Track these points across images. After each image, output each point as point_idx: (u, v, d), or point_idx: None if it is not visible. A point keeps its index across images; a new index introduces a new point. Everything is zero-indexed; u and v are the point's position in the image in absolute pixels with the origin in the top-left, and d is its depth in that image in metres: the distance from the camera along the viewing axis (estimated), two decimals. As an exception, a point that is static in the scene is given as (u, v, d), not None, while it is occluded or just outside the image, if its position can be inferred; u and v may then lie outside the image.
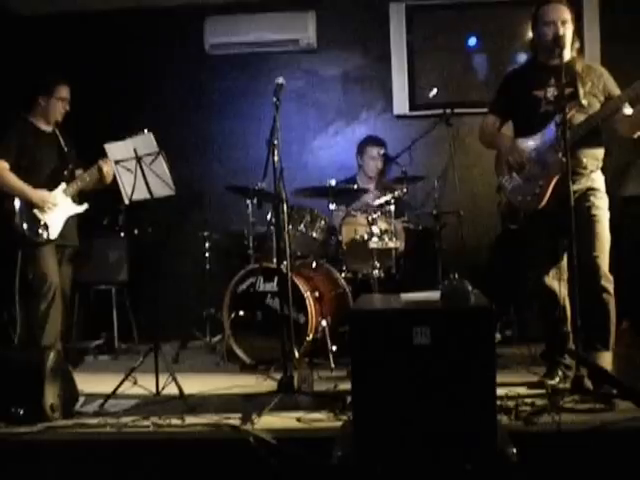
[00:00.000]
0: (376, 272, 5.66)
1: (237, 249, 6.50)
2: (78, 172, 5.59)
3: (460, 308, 3.28)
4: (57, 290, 5.36)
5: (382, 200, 5.85)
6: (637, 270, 5.63)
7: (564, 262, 4.49)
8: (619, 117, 4.37)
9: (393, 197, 5.85)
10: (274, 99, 4.53)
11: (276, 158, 4.45)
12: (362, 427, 3.21)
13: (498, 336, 5.91)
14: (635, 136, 4.43)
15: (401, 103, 7.21)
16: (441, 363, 3.16)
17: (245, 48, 7.21)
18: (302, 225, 5.82)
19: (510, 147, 4.58)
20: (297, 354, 4.71)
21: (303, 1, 7.22)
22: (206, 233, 6.64)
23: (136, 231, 6.84)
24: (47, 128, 5.56)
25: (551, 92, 4.43)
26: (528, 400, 3.96)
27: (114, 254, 6.77)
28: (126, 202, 4.85)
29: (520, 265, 4.92)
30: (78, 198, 5.58)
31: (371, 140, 6.67)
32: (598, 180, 4.50)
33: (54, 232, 5.38)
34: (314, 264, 5.86)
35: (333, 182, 5.82)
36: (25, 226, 5.29)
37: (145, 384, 4.66)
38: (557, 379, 4.46)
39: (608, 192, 4.51)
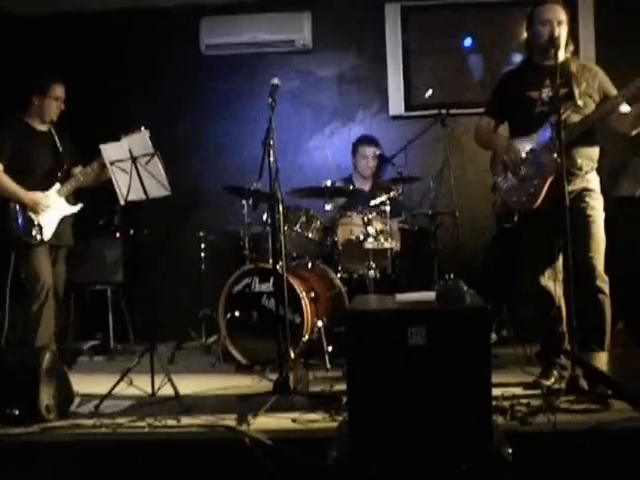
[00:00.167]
0: (372, 272, 5.66)
1: (233, 250, 6.50)
2: (77, 169, 5.57)
3: (455, 308, 3.28)
4: (50, 291, 5.36)
5: (378, 200, 5.85)
6: (632, 271, 5.64)
7: (559, 262, 4.49)
8: (616, 116, 4.38)
9: (389, 197, 5.85)
10: (269, 100, 4.53)
11: (272, 158, 4.45)
12: (358, 428, 3.20)
13: (494, 336, 5.90)
14: (634, 133, 4.43)
15: (397, 104, 7.21)
16: (436, 363, 3.16)
17: (241, 49, 7.21)
18: (298, 225, 5.82)
19: (505, 147, 4.58)
20: (293, 355, 4.70)
21: (299, 2, 7.22)
22: (202, 233, 6.64)
23: (132, 231, 6.84)
24: (42, 127, 5.55)
25: (546, 93, 4.43)
26: (524, 400, 3.97)
27: (110, 254, 6.76)
28: (122, 202, 4.84)
29: (515, 265, 4.92)
30: (73, 198, 5.57)
31: (364, 140, 6.67)
32: (593, 181, 4.51)
33: (48, 233, 5.38)
34: (310, 264, 5.86)
35: (329, 182, 5.82)
36: (19, 227, 5.29)
37: (141, 385, 4.65)
38: (552, 379, 4.46)
39: (602, 192, 4.52)
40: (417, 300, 3.53)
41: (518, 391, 4.27)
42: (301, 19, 7.15)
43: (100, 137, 4.92)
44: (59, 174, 5.49)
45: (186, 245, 6.88)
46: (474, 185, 6.68)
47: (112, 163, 4.79)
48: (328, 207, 5.94)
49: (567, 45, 4.49)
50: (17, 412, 3.97)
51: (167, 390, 4.45)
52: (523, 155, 4.48)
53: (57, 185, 5.45)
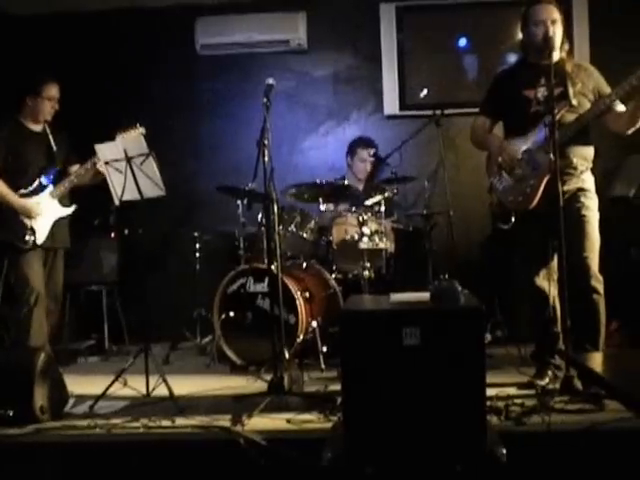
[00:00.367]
0: (366, 272, 5.66)
1: (227, 250, 6.50)
2: (73, 168, 5.55)
3: (450, 309, 3.28)
4: (40, 295, 5.33)
5: (372, 201, 5.85)
6: (626, 271, 5.65)
7: (554, 262, 4.48)
8: (612, 115, 4.39)
9: (383, 197, 5.85)
10: (264, 99, 4.52)
11: (266, 159, 4.45)
12: (352, 428, 3.21)
13: (488, 336, 5.91)
14: (629, 132, 4.44)
15: (391, 103, 7.21)
16: (431, 364, 3.16)
17: (236, 49, 7.20)
18: (292, 226, 5.82)
19: (500, 149, 4.58)
20: (287, 355, 4.70)
21: (294, 2, 7.21)
22: (196, 234, 6.64)
23: (127, 232, 6.83)
24: (37, 128, 5.52)
25: (541, 92, 4.43)
26: (518, 400, 3.98)
27: (105, 255, 6.76)
28: (116, 203, 4.84)
29: (511, 265, 4.92)
30: (67, 199, 5.54)
31: (362, 142, 6.64)
32: (588, 181, 4.51)
33: (41, 237, 5.34)
34: (304, 265, 5.85)
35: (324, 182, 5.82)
36: (11, 232, 5.28)
37: (135, 385, 4.64)
38: (547, 379, 4.47)
39: (597, 193, 4.52)
40: (412, 300, 3.53)
41: (512, 391, 4.27)
42: (296, 19, 7.14)
43: (95, 137, 4.92)
44: (52, 175, 5.45)
45: (181, 245, 6.88)
46: (468, 185, 6.69)
47: (107, 163, 4.78)
48: (323, 207, 5.93)
49: (562, 44, 4.49)
50: (11, 413, 3.97)
51: (162, 391, 4.44)
52: (518, 156, 4.49)
53: (50, 187, 5.42)
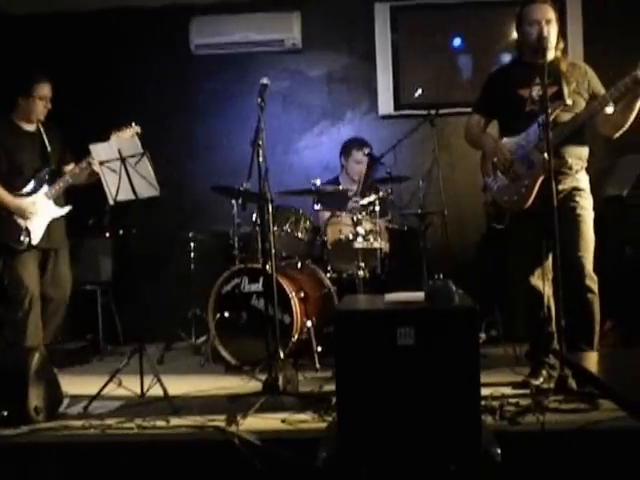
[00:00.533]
0: (361, 272, 5.66)
1: (222, 250, 6.49)
2: (68, 168, 5.54)
3: (444, 308, 3.28)
4: (34, 297, 5.32)
5: (367, 200, 5.85)
6: (620, 270, 5.66)
7: (549, 262, 4.48)
8: (601, 117, 4.40)
9: (378, 197, 5.85)
10: (259, 99, 4.52)
11: (261, 158, 4.45)
12: (347, 428, 3.20)
13: (483, 336, 5.91)
14: (616, 136, 4.45)
15: (386, 103, 7.21)
16: (425, 363, 3.16)
17: (230, 48, 7.19)
18: (287, 225, 5.82)
19: (495, 147, 4.59)
20: (282, 355, 4.69)
21: (288, 1, 7.21)
22: (191, 234, 6.62)
23: (121, 231, 6.82)
24: (30, 128, 5.51)
25: (536, 91, 4.42)
26: (512, 400, 3.98)
27: (99, 255, 6.75)
28: (111, 203, 4.83)
29: (506, 265, 4.92)
30: (62, 199, 5.53)
31: (356, 143, 6.62)
32: (583, 180, 4.51)
33: (36, 237, 5.33)
34: (299, 264, 5.86)
35: (318, 182, 5.82)
36: (6, 233, 5.26)
37: (130, 385, 4.65)
38: (541, 379, 4.47)
39: (591, 192, 4.52)
40: (406, 300, 3.53)
41: (507, 391, 4.28)
42: (290, 19, 7.14)
43: (90, 137, 4.92)
44: (47, 175, 5.45)
45: (175, 245, 6.86)
46: (463, 185, 6.70)
47: (101, 163, 4.78)
48: (317, 207, 5.93)
49: (557, 44, 4.49)
50: (5, 413, 3.97)
51: (156, 391, 4.44)
52: (513, 155, 4.49)
53: (45, 187, 5.42)
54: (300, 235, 5.85)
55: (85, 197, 5.55)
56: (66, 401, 4.41)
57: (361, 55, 7.27)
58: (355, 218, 5.73)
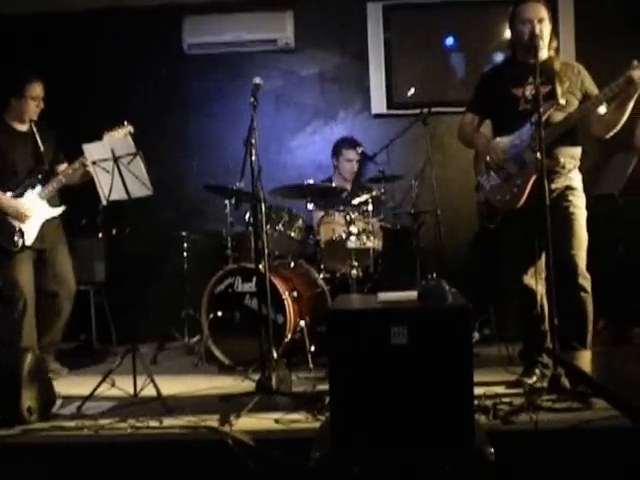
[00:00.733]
0: (354, 272, 5.64)
1: (215, 249, 6.49)
2: (61, 168, 5.52)
3: (437, 308, 3.28)
4: (29, 298, 5.31)
5: (360, 200, 5.85)
6: (613, 269, 5.67)
7: (542, 261, 4.48)
8: (594, 117, 4.41)
9: (371, 196, 5.85)
10: (251, 99, 4.52)
11: (254, 158, 4.45)
12: (340, 428, 3.20)
13: (476, 335, 5.93)
14: (608, 136, 4.46)
15: (379, 102, 7.20)
16: (419, 363, 3.16)
17: (223, 48, 7.19)
18: (280, 225, 5.81)
19: (488, 146, 4.59)
20: (275, 355, 4.69)
21: (281, 1, 7.20)
22: (184, 233, 6.61)
23: (114, 231, 6.81)
24: (23, 128, 5.50)
25: (529, 90, 4.41)
26: (506, 399, 3.99)
27: (92, 254, 6.74)
28: (104, 202, 4.81)
29: (499, 264, 4.93)
30: (56, 199, 5.52)
31: (346, 142, 6.65)
32: (576, 179, 4.52)
33: (30, 238, 5.32)
34: (292, 264, 5.86)
35: (311, 181, 5.81)
36: (0, 235, 5.25)
37: (123, 386, 4.64)
38: (535, 378, 4.47)
39: (584, 191, 4.53)
40: (399, 299, 3.53)
41: (500, 390, 4.29)
42: (283, 18, 7.14)
43: (83, 136, 4.90)
44: (40, 176, 5.43)
45: (168, 245, 6.86)
46: (456, 184, 6.71)
47: (94, 163, 4.76)
48: (310, 206, 5.93)
49: (550, 43, 4.50)
50: (-2, 414, 3.96)
51: (149, 391, 4.43)
52: (506, 154, 4.49)
53: (38, 188, 5.40)
54: (293, 234, 5.85)
55: (78, 197, 5.55)
56: (59, 401, 4.40)
57: (354, 54, 7.27)
58: (348, 217, 5.72)
